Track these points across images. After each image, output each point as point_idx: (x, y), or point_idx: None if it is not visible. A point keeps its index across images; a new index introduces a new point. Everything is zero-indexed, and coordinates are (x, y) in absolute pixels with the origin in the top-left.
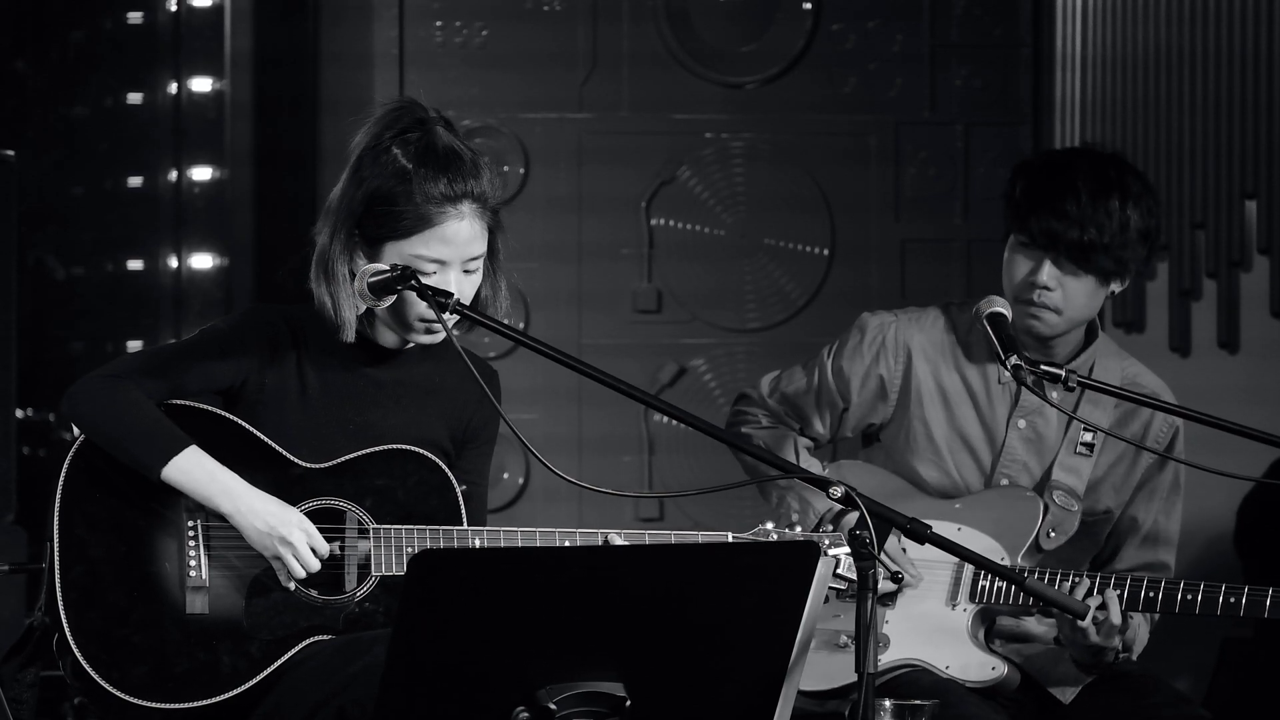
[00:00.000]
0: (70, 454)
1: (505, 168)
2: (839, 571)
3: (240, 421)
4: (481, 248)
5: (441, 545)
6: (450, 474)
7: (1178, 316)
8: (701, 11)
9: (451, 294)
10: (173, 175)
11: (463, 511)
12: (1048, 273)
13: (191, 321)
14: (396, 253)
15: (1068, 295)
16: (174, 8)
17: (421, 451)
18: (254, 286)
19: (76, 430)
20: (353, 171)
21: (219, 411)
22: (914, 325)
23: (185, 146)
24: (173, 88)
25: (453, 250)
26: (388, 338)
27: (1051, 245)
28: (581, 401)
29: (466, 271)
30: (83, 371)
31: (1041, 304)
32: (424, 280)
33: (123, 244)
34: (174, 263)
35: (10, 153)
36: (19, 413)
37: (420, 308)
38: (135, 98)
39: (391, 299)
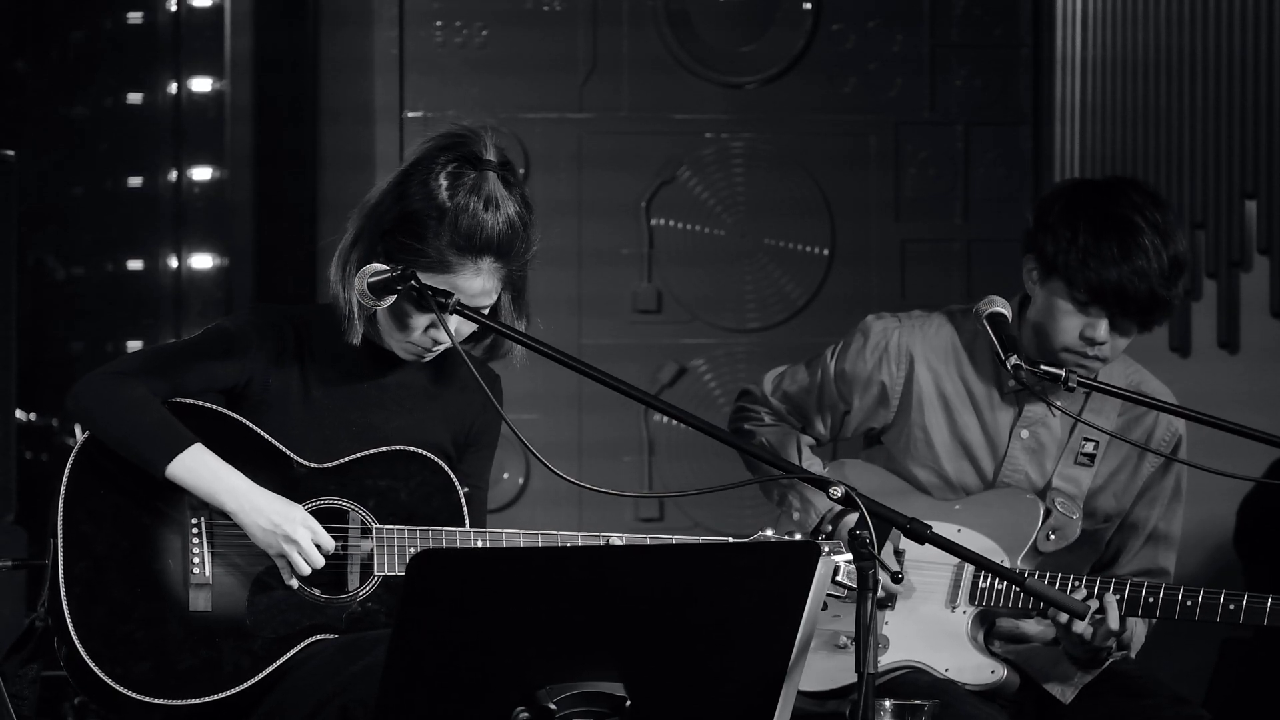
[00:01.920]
0: (75, 450)
1: None
2: (838, 579)
3: (244, 421)
4: (490, 300)
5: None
6: (453, 475)
7: (1178, 317)
8: (701, 12)
9: (451, 294)
10: (173, 175)
11: (465, 513)
12: (1106, 330)
13: (191, 321)
14: None
15: (1117, 345)
16: (174, 8)
17: (424, 453)
18: (254, 287)
19: (80, 430)
20: (396, 182)
21: (223, 410)
22: (917, 331)
23: (185, 147)
24: (173, 88)
25: (462, 298)
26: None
27: (1121, 309)
28: (582, 402)
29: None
30: (83, 371)
31: (1095, 357)
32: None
33: (123, 244)
34: (174, 263)
35: (10, 153)
36: (23, 417)
37: (417, 334)
38: (135, 98)
39: (391, 299)
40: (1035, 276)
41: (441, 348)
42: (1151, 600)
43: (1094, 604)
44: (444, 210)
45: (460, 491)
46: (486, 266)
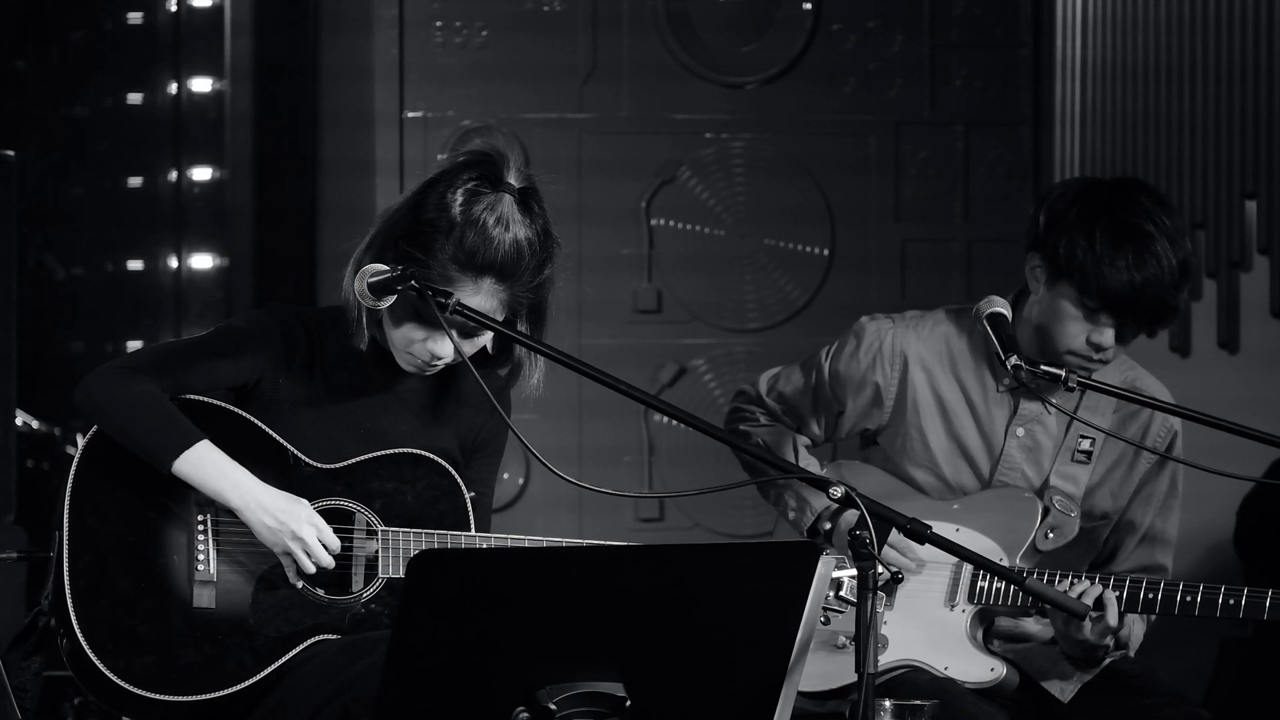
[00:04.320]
0: (83, 443)
1: None
2: (842, 594)
3: (252, 419)
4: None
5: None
6: (459, 479)
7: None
8: (701, 13)
9: (452, 293)
10: (173, 176)
11: (471, 517)
12: (1112, 337)
13: (191, 322)
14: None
15: (1119, 349)
16: (174, 8)
17: (431, 456)
18: (253, 289)
19: (83, 429)
20: (417, 192)
21: (232, 408)
22: (911, 332)
23: (185, 147)
24: (173, 88)
25: None
26: None
27: (1132, 317)
28: (582, 402)
29: (466, 334)
30: (83, 372)
31: (1099, 360)
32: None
33: (123, 244)
34: (174, 263)
35: (10, 153)
36: (32, 424)
37: (416, 344)
38: (135, 98)
39: (391, 299)
40: (1041, 276)
41: (442, 363)
42: (1151, 596)
43: (1096, 589)
44: (453, 224)
45: (466, 495)
46: (487, 287)
